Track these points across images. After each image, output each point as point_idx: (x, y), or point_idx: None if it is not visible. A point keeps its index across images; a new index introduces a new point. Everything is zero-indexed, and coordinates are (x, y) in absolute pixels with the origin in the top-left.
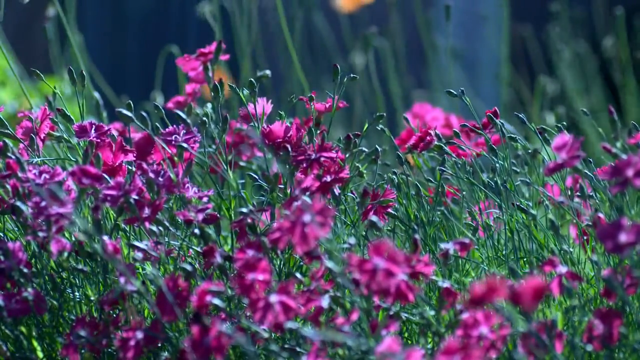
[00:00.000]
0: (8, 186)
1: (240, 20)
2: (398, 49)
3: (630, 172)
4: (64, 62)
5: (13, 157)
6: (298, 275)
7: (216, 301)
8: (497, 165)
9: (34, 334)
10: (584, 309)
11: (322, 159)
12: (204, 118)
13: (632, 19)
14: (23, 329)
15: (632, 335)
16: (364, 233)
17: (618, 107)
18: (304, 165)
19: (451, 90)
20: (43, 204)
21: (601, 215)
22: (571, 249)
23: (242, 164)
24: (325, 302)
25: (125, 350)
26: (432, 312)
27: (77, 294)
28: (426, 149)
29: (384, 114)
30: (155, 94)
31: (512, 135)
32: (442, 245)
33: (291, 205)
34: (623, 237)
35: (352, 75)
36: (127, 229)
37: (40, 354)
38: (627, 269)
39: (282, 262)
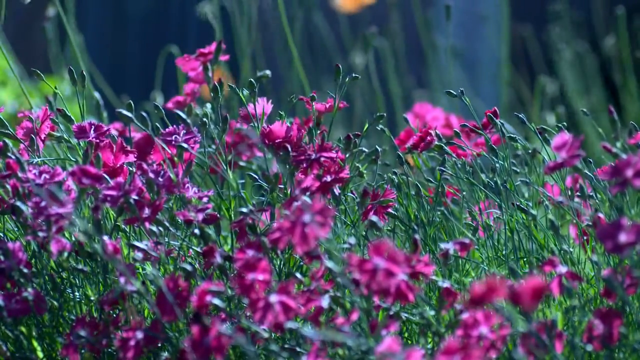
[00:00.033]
0: (8, 186)
1: (240, 20)
2: (398, 49)
3: (630, 172)
4: (64, 62)
5: (13, 157)
6: (298, 275)
7: (216, 301)
8: (497, 165)
9: (34, 334)
10: (584, 309)
11: (322, 159)
12: (204, 118)
13: (632, 18)
14: (23, 329)
15: (632, 335)
16: (364, 233)
17: (618, 107)
18: (304, 165)
19: (451, 91)
20: (43, 204)
21: (601, 215)
22: (571, 249)
23: (242, 164)
24: (325, 302)
25: (125, 350)
26: (432, 312)
27: (77, 294)
28: (427, 149)
29: (384, 114)
30: (155, 94)
31: (512, 135)
32: (442, 245)
33: (291, 205)
34: (623, 237)
35: (353, 75)
36: (127, 229)
37: (40, 354)
38: (627, 269)
39: (282, 262)
